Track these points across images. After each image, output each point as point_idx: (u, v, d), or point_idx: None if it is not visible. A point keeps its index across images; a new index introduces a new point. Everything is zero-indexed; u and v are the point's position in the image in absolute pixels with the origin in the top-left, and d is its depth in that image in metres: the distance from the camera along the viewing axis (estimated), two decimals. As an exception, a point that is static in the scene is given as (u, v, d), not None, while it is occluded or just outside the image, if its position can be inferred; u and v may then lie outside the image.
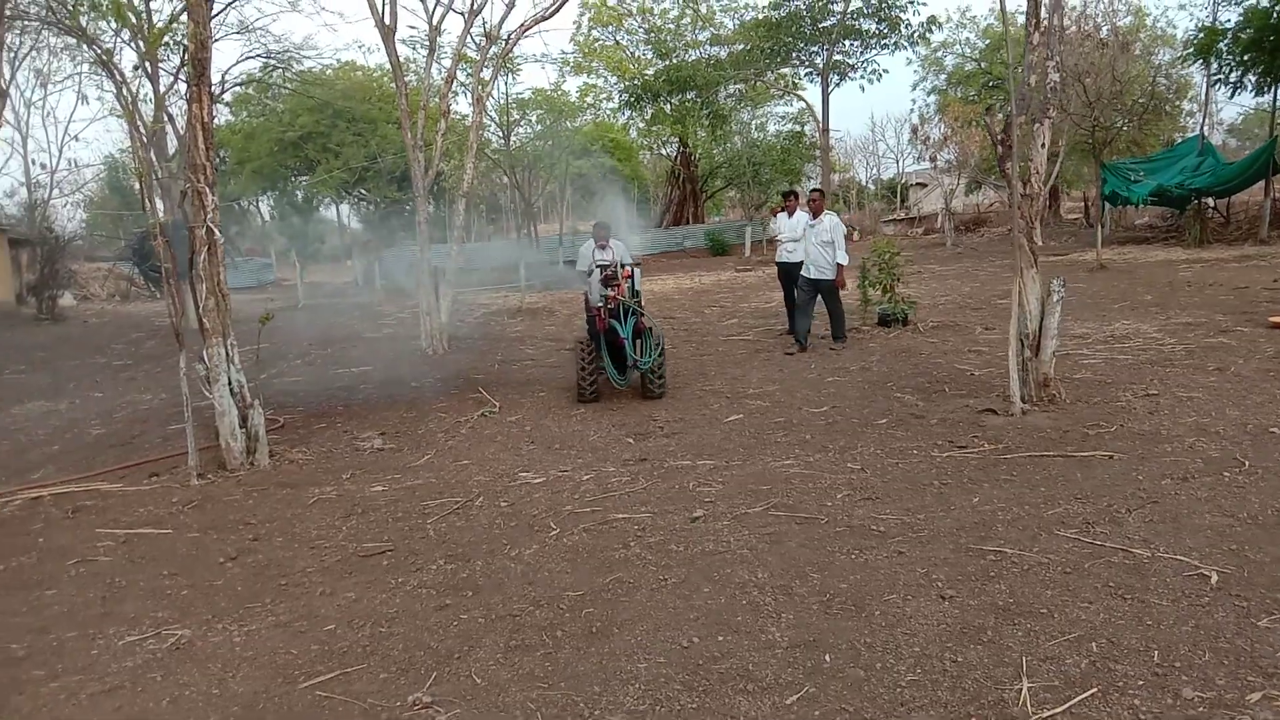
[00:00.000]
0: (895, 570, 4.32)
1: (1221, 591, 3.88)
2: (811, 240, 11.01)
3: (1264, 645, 3.41)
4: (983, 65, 35.99)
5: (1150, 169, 22.25)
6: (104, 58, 14.66)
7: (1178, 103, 31.29)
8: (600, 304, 9.06)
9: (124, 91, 14.36)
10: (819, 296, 11.18)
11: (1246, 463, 5.58)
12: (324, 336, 15.64)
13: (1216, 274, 16.44)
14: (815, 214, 11.16)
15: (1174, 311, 12.28)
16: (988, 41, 35.98)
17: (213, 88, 7.33)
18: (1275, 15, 17.72)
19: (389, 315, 19.33)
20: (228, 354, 6.91)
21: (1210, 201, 23.19)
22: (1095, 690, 3.17)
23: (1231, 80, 19.39)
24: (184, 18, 7.73)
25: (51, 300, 22.69)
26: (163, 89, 15.33)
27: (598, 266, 9.47)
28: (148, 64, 14.22)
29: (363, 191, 36.39)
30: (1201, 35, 20.30)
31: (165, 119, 12.50)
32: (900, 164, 56.32)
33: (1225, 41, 19.40)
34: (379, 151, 31.58)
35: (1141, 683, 3.20)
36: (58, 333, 19.53)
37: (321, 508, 6.01)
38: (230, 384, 6.90)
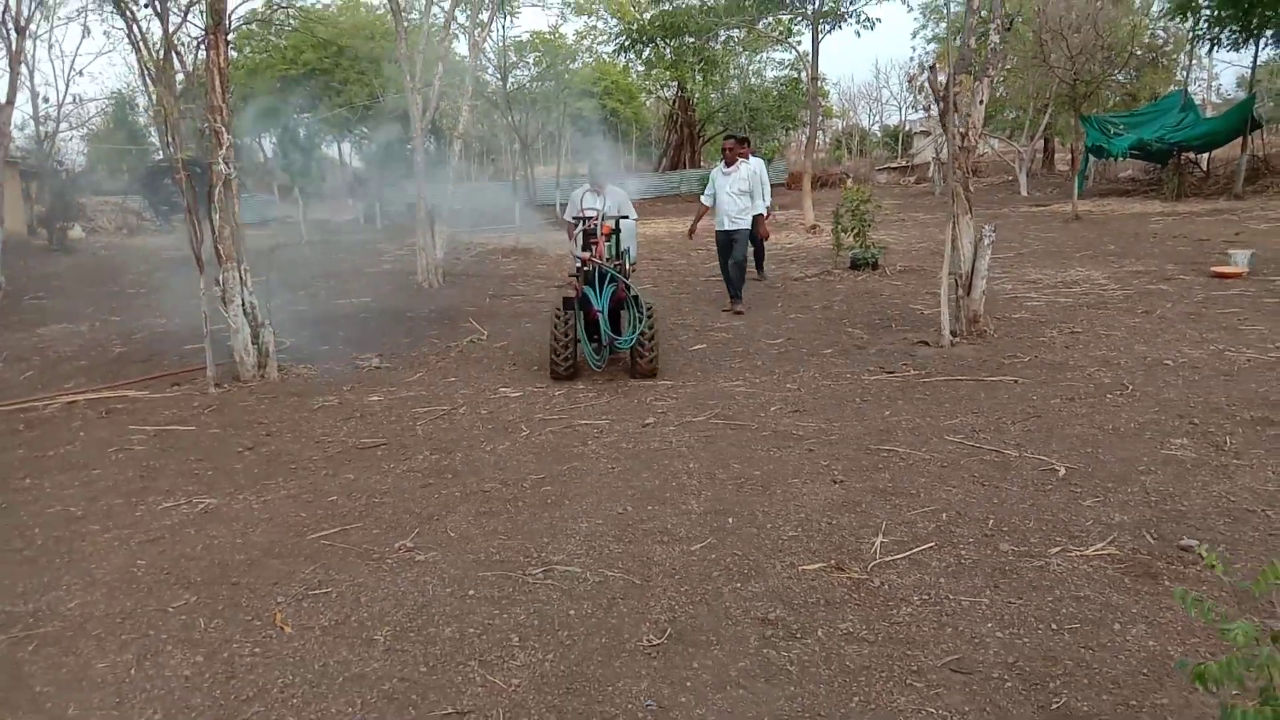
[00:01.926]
0: (802, 463, 5.18)
1: (1064, 481, 4.74)
2: (725, 189, 10.32)
3: (1080, 518, 4.27)
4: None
5: (1132, 123, 22.80)
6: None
7: (1175, 56, 31.62)
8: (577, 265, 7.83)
9: (134, 30, 14.93)
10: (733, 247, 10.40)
11: (1130, 387, 6.43)
12: (326, 270, 16.41)
13: (1185, 226, 17.14)
14: (729, 163, 10.44)
15: (1130, 260, 13.04)
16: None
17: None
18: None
19: (388, 252, 20.06)
20: (241, 278, 7.71)
21: (1192, 155, 23.77)
22: (933, 544, 4.03)
23: (1209, 36, 19.90)
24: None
25: (62, 232, 23.44)
26: (171, 28, 15.88)
27: (575, 219, 8.19)
28: (157, 3, 14.83)
29: (364, 130, 36.81)
30: (1182, -10, 20.73)
31: (174, 57, 13.10)
32: (903, 111, 56.36)
33: (1205, -3, 19.88)
34: (381, 90, 31.96)
35: (971, 540, 4.07)
36: (69, 263, 20.30)
37: (325, 412, 6.88)
38: (244, 304, 7.71)
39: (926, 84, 8.23)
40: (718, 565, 3.92)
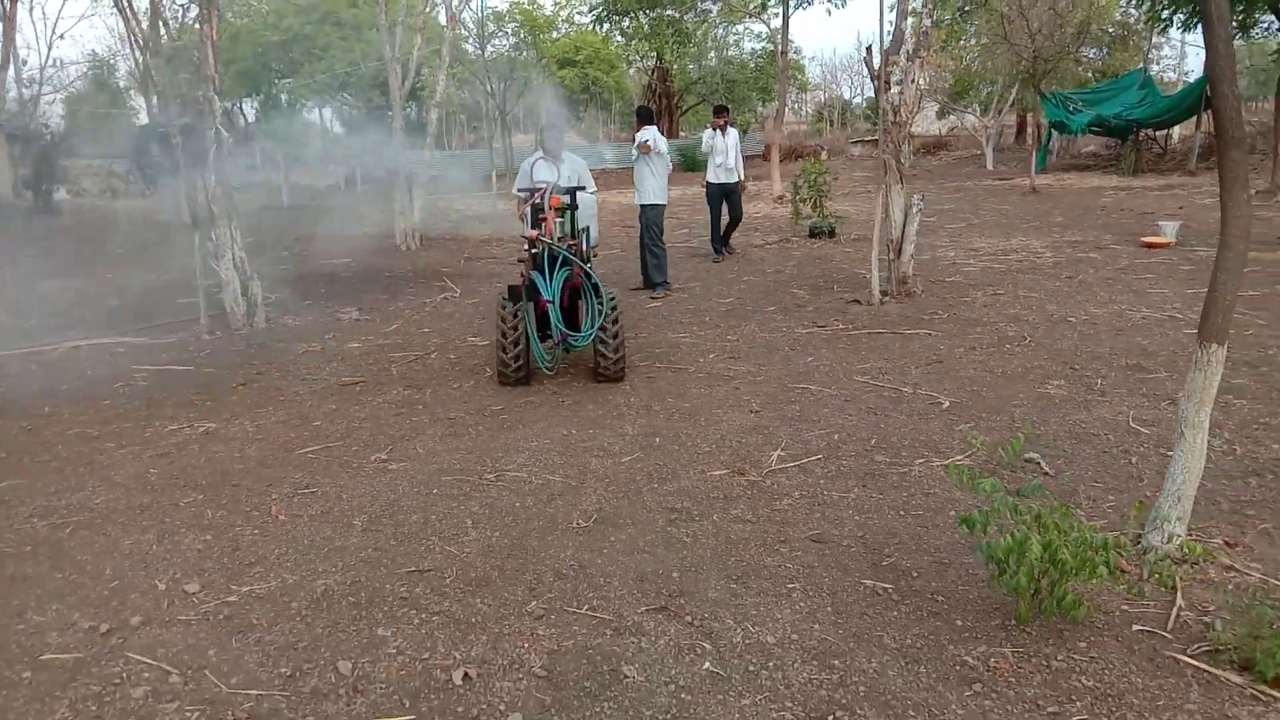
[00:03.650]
0: (725, 398, 5.97)
1: (946, 412, 5.55)
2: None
3: (948, 439, 5.08)
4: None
5: (1093, 99, 23.56)
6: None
7: (1144, 33, 32.35)
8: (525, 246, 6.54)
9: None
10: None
11: (1029, 340, 7.23)
12: (308, 233, 17.03)
13: (1134, 200, 17.96)
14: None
15: (1072, 231, 13.84)
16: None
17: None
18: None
19: (368, 216, 20.63)
20: (231, 234, 8.40)
21: (1150, 132, 24.58)
22: (820, 457, 4.84)
23: (1163, 17, 20.63)
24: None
25: (48, 194, 23.86)
26: (158, -4, 16.37)
27: (520, 192, 7.07)
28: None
29: (346, 96, 37.13)
30: (1138, -28, 21.39)
31: (161, 25, 13.64)
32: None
33: (1158, -21, 20.51)
34: (362, 56, 32.31)
35: (854, 454, 4.88)
36: (57, 224, 20.78)
37: (309, 356, 7.63)
38: (234, 258, 8.40)
39: (866, 64, 8.92)
40: (641, 472, 4.71)
